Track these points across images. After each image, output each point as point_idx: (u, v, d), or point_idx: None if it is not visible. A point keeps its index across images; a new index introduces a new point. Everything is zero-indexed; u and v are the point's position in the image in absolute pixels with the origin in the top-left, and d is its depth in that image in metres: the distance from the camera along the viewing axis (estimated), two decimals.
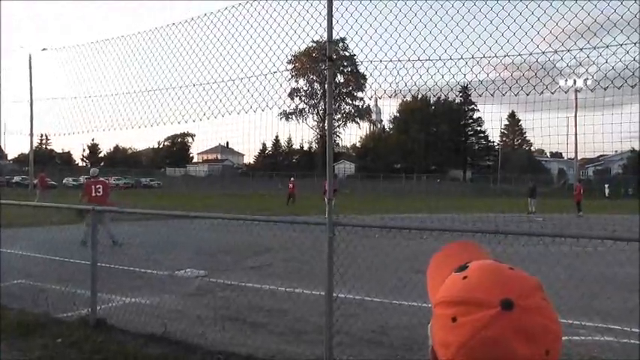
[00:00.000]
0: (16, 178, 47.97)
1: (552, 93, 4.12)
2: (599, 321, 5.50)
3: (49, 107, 7.49)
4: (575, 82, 4.29)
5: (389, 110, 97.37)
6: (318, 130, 64.18)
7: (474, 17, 4.08)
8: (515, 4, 3.93)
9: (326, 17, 4.43)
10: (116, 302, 6.50)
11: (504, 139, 75.93)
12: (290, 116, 61.54)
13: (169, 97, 5.93)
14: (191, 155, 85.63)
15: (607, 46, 3.74)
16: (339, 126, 65.52)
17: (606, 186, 50.74)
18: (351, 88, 37.59)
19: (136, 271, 8.49)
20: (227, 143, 49.53)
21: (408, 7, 4.29)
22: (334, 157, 5.02)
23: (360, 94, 52.43)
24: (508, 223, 14.61)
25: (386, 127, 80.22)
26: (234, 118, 5.33)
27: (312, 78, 32.64)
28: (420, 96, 8.11)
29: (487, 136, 73.04)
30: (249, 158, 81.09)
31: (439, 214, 21.51)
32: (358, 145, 79.15)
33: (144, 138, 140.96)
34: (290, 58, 5.49)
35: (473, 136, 75.84)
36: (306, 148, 79.39)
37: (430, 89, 4.70)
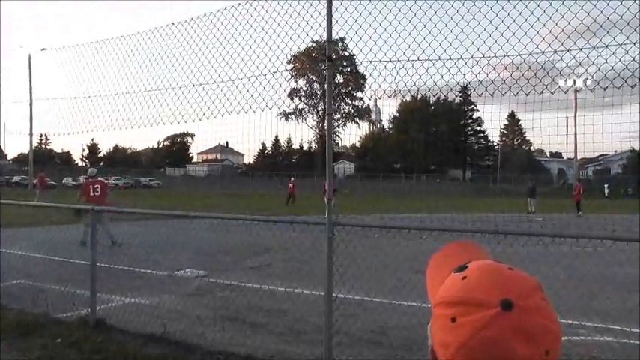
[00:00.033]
0: (16, 178, 47.95)
1: (552, 93, 4.12)
2: (598, 321, 5.50)
3: (49, 107, 7.50)
4: (574, 82, 4.30)
5: (388, 110, 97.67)
6: (317, 130, 64.23)
7: (474, 17, 4.08)
8: (515, 4, 3.93)
9: (325, 17, 4.43)
10: (116, 302, 6.50)
11: (504, 139, 76.00)
12: (290, 116, 61.69)
13: (169, 97, 5.94)
14: (191, 155, 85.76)
15: (606, 46, 3.75)
16: (338, 126, 65.55)
17: (606, 186, 50.75)
18: (350, 88, 37.62)
19: (135, 271, 8.49)
20: (227, 143, 49.67)
21: (408, 7, 4.29)
22: (334, 157, 5.01)
23: (359, 94, 52.32)
24: (508, 223, 14.62)
25: (385, 127, 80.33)
26: (234, 118, 5.34)
27: (312, 78, 32.69)
28: (419, 96, 8.10)
29: (487, 136, 73.19)
30: (248, 158, 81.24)
31: (439, 214, 21.49)
32: (358, 145, 79.25)
33: (143, 138, 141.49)
34: (290, 58, 5.50)
35: (472, 136, 75.82)
36: (305, 148, 79.54)
37: (430, 89, 4.71)
